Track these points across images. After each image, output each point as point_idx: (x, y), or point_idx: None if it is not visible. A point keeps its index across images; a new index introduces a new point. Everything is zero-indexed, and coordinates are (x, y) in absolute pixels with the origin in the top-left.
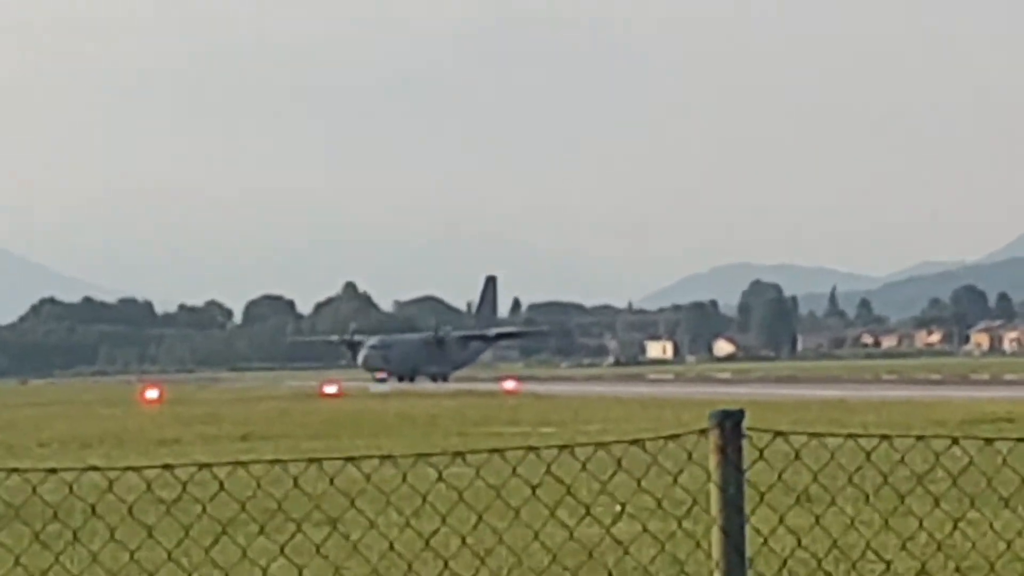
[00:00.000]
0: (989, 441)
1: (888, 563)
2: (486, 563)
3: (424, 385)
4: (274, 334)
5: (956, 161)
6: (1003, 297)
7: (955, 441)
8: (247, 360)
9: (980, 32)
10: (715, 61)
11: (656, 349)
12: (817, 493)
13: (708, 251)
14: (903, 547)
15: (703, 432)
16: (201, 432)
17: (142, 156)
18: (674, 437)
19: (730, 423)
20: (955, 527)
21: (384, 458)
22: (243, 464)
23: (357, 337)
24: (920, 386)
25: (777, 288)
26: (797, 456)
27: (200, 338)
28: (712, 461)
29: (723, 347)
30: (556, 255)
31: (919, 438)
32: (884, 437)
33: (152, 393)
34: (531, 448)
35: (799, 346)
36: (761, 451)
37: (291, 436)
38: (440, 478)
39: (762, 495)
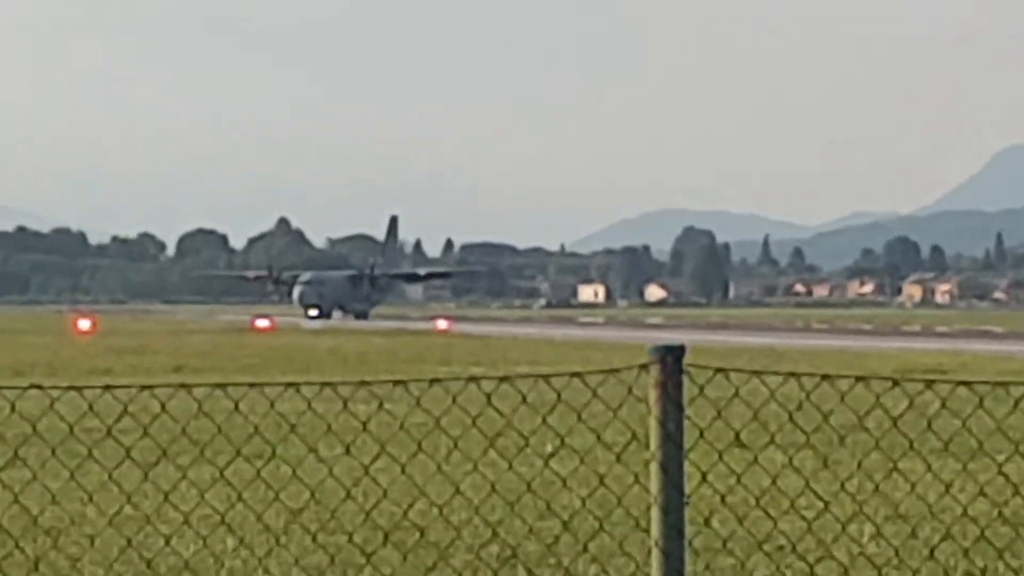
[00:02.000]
0: (929, 384)
1: (826, 503)
2: (425, 493)
3: (355, 323)
4: (206, 268)
5: (892, 113)
6: (936, 249)
7: (896, 383)
8: (179, 293)
9: None
10: (654, 4)
11: (588, 293)
12: (755, 433)
13: (640, 196)
14: (841, 488)
15: (644, 367)
16: (133, 363)
17: (81, 84)
18: (614, 372)
19: (671, 358)
20: (893, 470)
21: (325, 385)
22: (186, 387)
23: (286, 274)
24: (852, 336)
25: (710, 235)
26: (736, 394)
27: (133, 270)
28: (652, 396)
29: (655, 292)
30: (489, 196)
31: (859, 379)
32: (825, 377)
33: (84, 323)
34: (472, 378)
35: (731, 293)
36: (701, 387)
37: (223, 369)
38: (381, 407)
39: (701, 432)
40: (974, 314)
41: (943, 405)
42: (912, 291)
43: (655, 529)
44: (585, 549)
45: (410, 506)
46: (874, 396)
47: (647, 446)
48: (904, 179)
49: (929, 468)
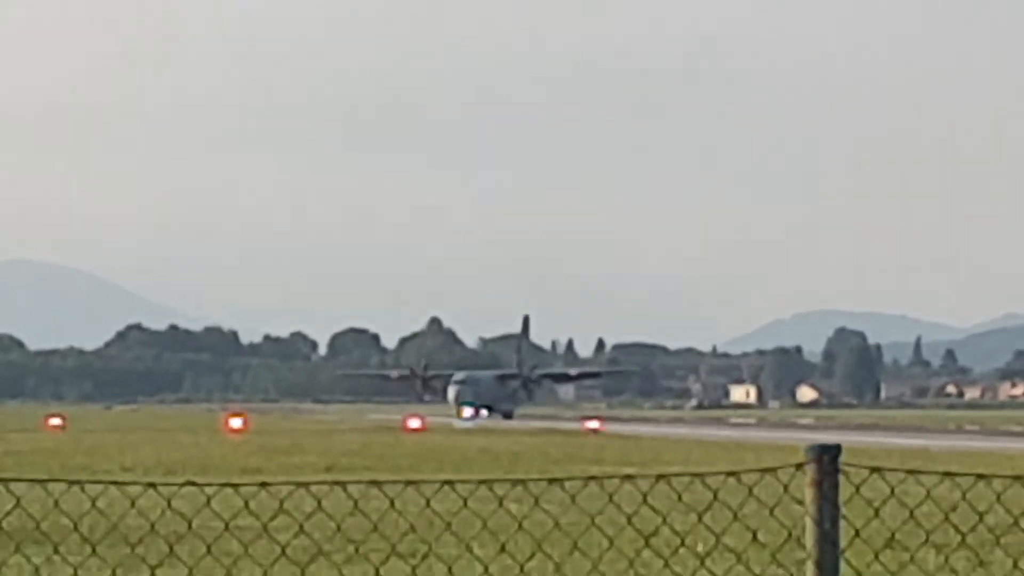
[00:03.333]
0: None
1: None
2: None
3: (505, 422)
4: (358, 367)
5: None
6: None
7: None
8: (330, 392)
9: None
10: (805, 103)
11: (739, 393)
12: (911, 534)
13: (792, 297)
14: None
15: (800, 466)
16: (284, 463)
17: (232, 187)
18: (771, 471)
19: (828, 457)
20: None
21: (481, 483)
22: (340, 484)
23: (430, 372)
24: (1003, 438)
25: (861, 335)
26: (892, 493)
27: (284, 369)
28: (808, 495)
29: (806, 393)
30: (643, 297)
31: (1016, 478)
32: (980, 476)
33: (236, 422)
34: (627, 476)
35: (882, 394)
36: (857, 487)
37: (375, 468)
38: (536, 504)
39: (857, 531)
40: None
41: None
42: None
43: None
44: None
45: None
46: None
47: (802, 546)
48: None
49: None
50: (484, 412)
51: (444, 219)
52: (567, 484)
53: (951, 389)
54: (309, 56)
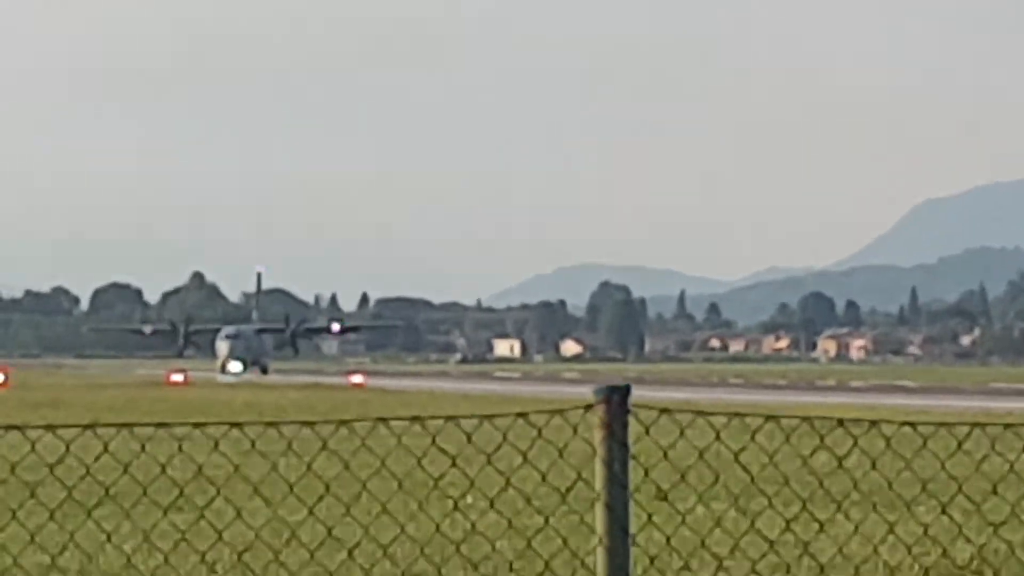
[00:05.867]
0: (873, 424)
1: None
2: (368, 532)
3: (269, 377)
4: (120, 322)
5: (805, 168)
6: (851, 305)
7: (840, 423)
8: (93, 348)
9: (834, 39)
10: (577, 46)
11: (503, 347)
12: (702, 474)
13: (556, 251)
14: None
15: (589, 407)
16: (46, 417)
17: None
18: (560, 412)
19: (617, 397)
20: (840, 511)
21: (269, 424)
22: (165, 427)
23: (195, 327)
24: (767, 391)
25: (625, 289)
26: (682, 433)
27: (46, 324)
28: (597, 436)
29: (570, 347)
30: (405, 251)
31: (805, 419)
32: (769, 418)
33: None
34: (416, 418)
35: (647, 348)
36: (647, 427)
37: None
38: (324, 447)
39: (646, 471)
40: (888, 369)
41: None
42: (827, 346)
43: (600, 570)
44: None
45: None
46: (819, 437)
47: (592, 488)
48: (818, 234)
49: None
50: (241, 366)
51: (210, 172)
52: (358, 426)
53: (715, 343)
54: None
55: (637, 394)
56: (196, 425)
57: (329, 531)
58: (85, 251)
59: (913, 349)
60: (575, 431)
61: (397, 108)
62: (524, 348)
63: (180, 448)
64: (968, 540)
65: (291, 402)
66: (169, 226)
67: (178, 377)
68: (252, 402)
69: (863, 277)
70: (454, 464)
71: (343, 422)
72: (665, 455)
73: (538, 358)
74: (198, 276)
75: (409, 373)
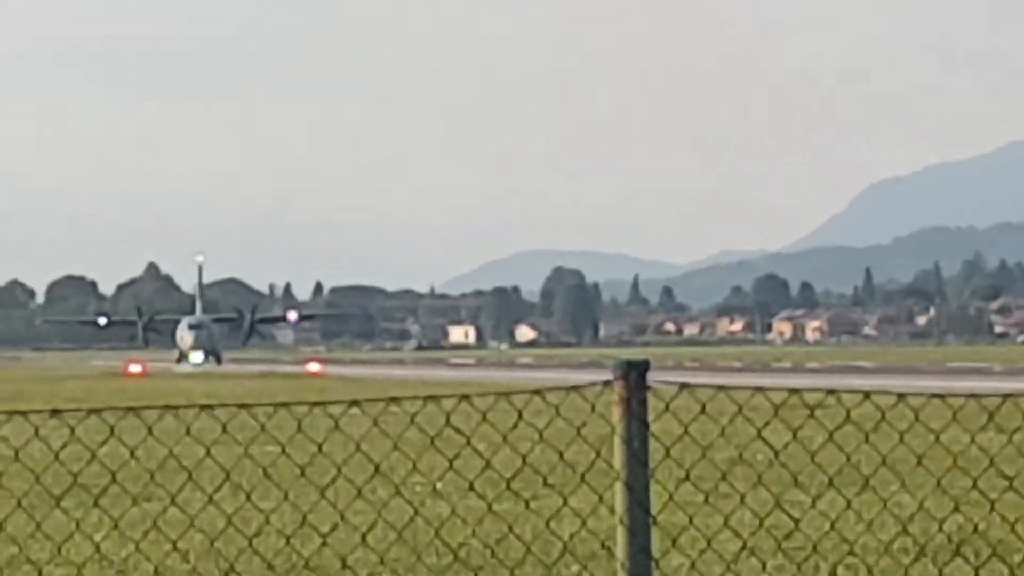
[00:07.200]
0: (866, 396)
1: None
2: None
3: (226, 367)
4: (76, 314)
5: (757, 150)
6: (805, 286)
7: (831, 392)
8: (49, 340)
9: (783, 14)
10: (513, 44)
11: (458, 334)
12: (723, 450)
13: (510, 237)
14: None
15: (608, 383)
16: (9, 409)
17: None
18: (576, 388)
19: (636, 373)
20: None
21: (242, 407)
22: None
23: (160, 317)
24: (724, 374)
25: (579, 274)
26: (704, 410)
27: (2, 318)
28: (616, 414)
29: (525, 333)
30: (358, 239)
31: (830, 392)
32: (792, 391)
33: None
34: (430, 397)
35: (601, 332)
36: (667, 404)
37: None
38: (336, 427)
39: (667, 449)
40: (844, 350)
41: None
42: (782, 328)
43: (620, 551)
44: (550, 572)
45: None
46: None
47: (611, 467)
48: (771, 217)
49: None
50: (202, 356)
51: (162, 159)
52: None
53: (670, 326)
54: None
55: (594, 378)
56: (167, 408)
57: (359, 492)
58: (39, 245)
59: (869, 330)
60: (593, 409)
61: (353, 91)
62: (480, 334)
63: (151, 432)
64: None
65: (250, 391)
66: (124, 217)
67: (136, 368)
68: (212, 392)
69: (817, 259)
70: (468, 443)
71: (353, 403)
72: (686, 431)
73: (494, 344)
74: (153, 267)
75: (365, 361)
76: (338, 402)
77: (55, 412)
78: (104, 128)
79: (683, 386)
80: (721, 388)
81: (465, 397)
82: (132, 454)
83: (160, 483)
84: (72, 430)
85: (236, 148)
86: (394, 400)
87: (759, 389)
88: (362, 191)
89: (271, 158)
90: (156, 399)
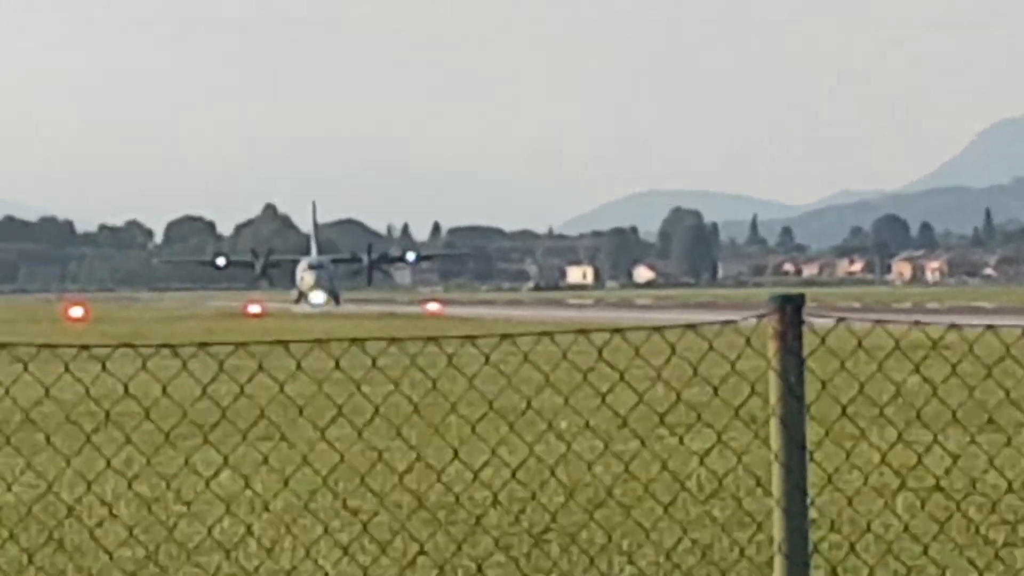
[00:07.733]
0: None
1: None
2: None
3: (344, 308)
4: (193, 255)
5: (877, 90)
6: (925, 227)
7: (990, 326)
8: (167, 281)
9: None
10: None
11: (576, 274)
12: (879, 385)
13: (627, 178)
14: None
15: (762, 317)
16: (129, 350)
17: (65, 74)
18: (732, 323)
19: (791, 308)
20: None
21: (354, 341)
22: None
23: (275, 257)
24: (844, 314)
25: (697, 215)
26: (860, 345)
27: (120, 258)
28: (771, 348)
29: (643, 273)
30: (477, 181)
31: (989, 327)
32: (952, 327)
33: (76, 311)
34: (582, 331)
35: (719, 274)
36: (823, 338)
37: (221, 354)
38: (450, 362)
39: (824, 383)
40: (964, 291)
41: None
42: (902, 269)
43: (776, 488)
44: (704, 507)
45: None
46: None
47: (766, 401)
48: (891, 157)
49: None
50: (323, 297)
51: (279, 107)
52: (481, 342)
53: (788, 267)
54: None
55: (712, 318)
56: (276, 343)
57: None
58: (159, 185)
59: (988, 270)
60: (748, 343)
61: (470, 37)
62: (597, 275)
63: (261, 367)
64: None
65: (369, 331)
66: (242, 158)
67: (255, 308)
68: (331, 331)
69: (937, 199)
70: (621, 378)
71: (467, 337)
72: (842, 365)
73: (611, 285)
74: (270, 208)
75: (483, 301)
76: (452, 337)
77: (164, 346)
78: (228, 77)
79: (839, 320)
80: (879, 322)
81: (617, 331)
82: (242, 391)
83: (272, 420)
84: (184, 364)
85: (358, 92)
86: (508, 337)
87: (917, 324)
88: (481, 133)
89: (389, 97)
90: (275, 339)
